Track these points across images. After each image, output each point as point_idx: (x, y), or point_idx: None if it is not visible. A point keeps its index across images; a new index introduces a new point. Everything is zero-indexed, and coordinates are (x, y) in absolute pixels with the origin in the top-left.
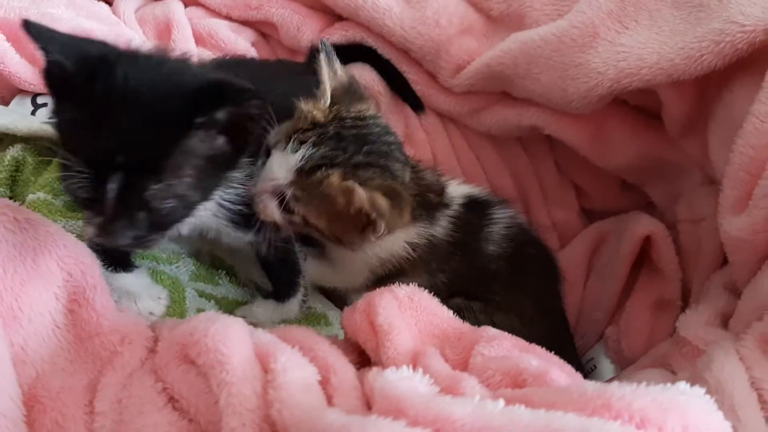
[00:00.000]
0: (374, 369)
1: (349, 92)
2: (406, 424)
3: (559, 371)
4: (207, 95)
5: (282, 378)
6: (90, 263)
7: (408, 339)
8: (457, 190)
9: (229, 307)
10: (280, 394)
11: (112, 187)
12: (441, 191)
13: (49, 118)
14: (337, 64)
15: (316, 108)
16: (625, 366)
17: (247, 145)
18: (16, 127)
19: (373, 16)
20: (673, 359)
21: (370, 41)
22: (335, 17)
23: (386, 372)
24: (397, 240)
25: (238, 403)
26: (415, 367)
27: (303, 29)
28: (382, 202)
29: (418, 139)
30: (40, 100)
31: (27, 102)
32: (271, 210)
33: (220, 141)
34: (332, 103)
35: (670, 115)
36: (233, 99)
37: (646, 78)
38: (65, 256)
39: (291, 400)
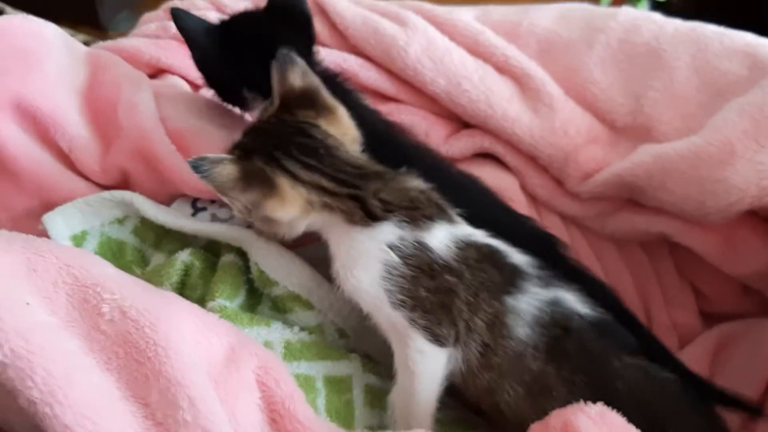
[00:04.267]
0: None
1: (302, 99)
2: None
3: None
4: None
5: None
6: (280, 370)
7: None
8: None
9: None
10: None
11: None
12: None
13: None
14: (295, 70)
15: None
16: None
17: None
18: (181, 225)
19: (502, 125)
20: None
21: (498, 148)
22: (462, 124)
23: None
24: None
25: None
26: None
27: (430, 134)
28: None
29: None
30: (199, 204)
31: (187, 206)
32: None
33: None
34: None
35: None
36: None
37: None
38: (257, 367)
39: None
